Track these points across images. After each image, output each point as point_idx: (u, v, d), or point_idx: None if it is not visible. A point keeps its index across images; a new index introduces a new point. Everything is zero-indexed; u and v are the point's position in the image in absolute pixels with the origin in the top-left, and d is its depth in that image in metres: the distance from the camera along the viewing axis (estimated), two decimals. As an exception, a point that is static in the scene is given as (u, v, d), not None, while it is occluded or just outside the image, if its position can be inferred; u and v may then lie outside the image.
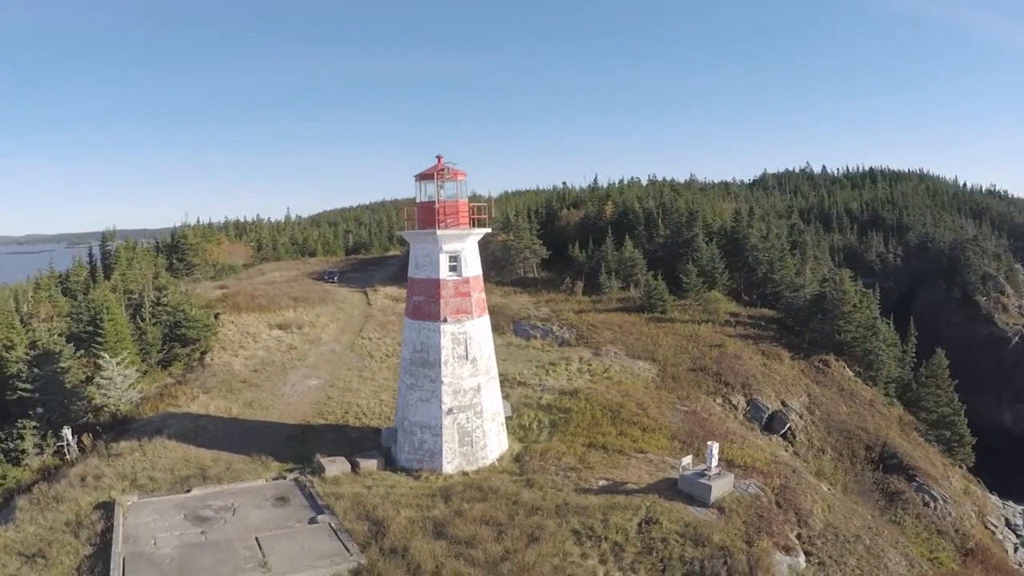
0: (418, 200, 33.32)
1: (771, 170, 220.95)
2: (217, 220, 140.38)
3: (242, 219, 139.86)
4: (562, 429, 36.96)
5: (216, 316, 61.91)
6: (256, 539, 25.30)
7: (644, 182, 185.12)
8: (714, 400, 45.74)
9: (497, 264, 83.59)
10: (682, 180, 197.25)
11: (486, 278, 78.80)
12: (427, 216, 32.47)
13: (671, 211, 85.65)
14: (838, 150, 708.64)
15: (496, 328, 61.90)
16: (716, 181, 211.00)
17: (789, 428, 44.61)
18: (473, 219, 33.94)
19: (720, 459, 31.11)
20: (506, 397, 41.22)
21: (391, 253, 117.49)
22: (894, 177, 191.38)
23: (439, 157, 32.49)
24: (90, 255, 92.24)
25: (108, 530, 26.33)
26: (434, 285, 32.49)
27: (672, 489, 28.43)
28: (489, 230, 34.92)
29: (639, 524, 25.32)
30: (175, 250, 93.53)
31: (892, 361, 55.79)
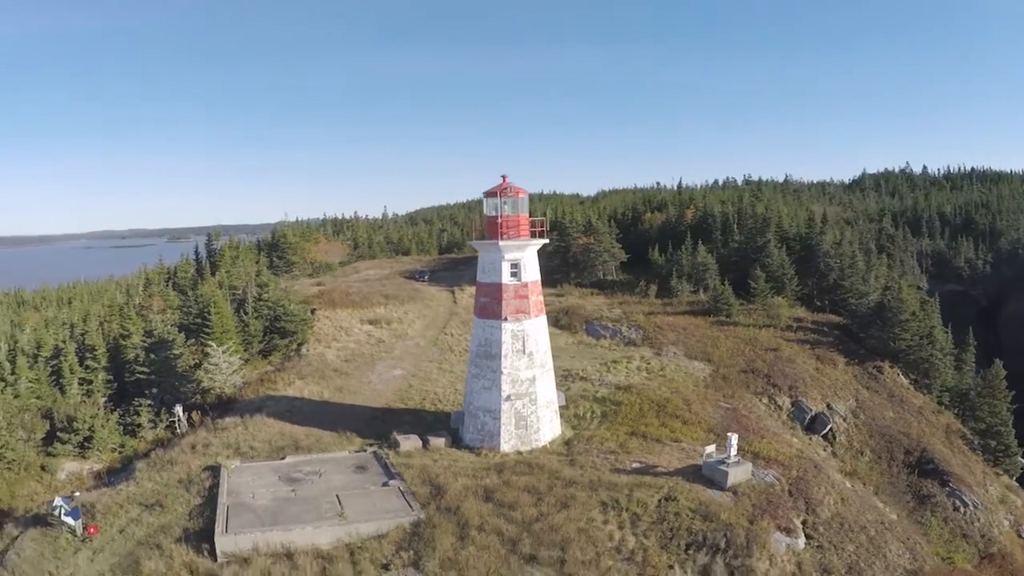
0: (485, 214, 37.94)
1: (871, 170, 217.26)
2: (315, 217, 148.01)
3: (339, 216, 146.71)
4: (611, 419, 40.87)
5: (312, 311, 68.18)
6: (337, 496, 30.62)
7: (740, 182, 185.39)
8: (760, 400, 48.44)
9: (578, 266, 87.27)
10: (780, 180, 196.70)
11: (566, 279, 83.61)
12: (491, 228, 37.05)
13: (747, 216, 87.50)
14: (944, 149, 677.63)
15: (569, 328, 66.34)
16: (814, 181, 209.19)
17: (831, 430, 46.89)
18: (533, 231, 38.07)
19: (746, 451, 34.55)
20: (567, 390, 45.36)
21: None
22: (995, 178, 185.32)
23: (504, 176, 37.03)
24: (196, 252, 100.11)
25: (214, 486, 32.22)
26: (497, 288, 37.00)
27: (696, 474, 32.00)
28: (547, 241, 38.96)
29: (659, 500, 29.15)
30: (275, 248, 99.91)
31: (948, 370, 56.93)
